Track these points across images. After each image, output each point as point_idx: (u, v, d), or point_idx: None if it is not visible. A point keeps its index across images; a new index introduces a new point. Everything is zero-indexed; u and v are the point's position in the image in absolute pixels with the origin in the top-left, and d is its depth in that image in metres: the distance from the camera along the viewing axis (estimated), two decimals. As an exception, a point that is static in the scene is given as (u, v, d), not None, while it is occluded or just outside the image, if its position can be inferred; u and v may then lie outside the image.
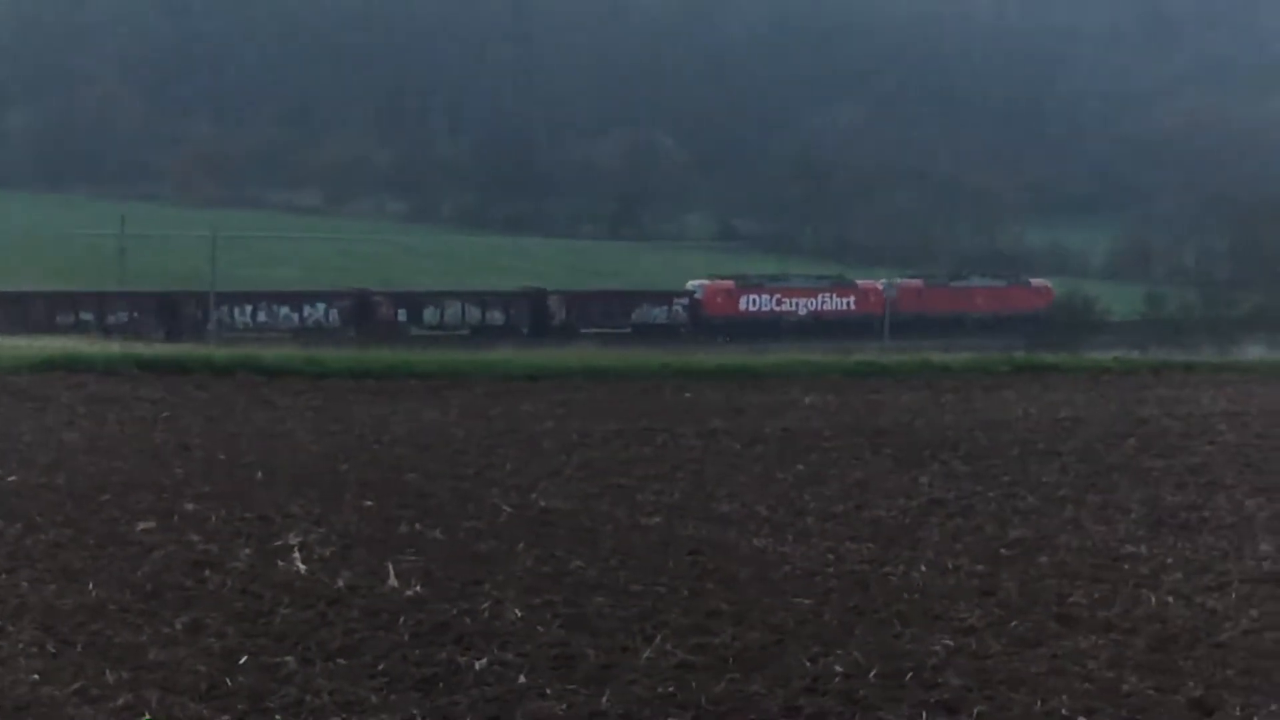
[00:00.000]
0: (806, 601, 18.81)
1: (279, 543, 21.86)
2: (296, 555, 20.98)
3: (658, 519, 24.57)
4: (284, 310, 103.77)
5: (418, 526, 23.44)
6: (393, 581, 19.50)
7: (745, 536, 23.14)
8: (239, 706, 14.55)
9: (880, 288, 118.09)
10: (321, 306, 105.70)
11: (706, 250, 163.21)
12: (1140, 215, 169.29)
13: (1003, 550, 22.18)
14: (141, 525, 23.07)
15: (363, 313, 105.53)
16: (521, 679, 15.41)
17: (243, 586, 19.28)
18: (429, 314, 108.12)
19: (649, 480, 28.60)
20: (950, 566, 20.95)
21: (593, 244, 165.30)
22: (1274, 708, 14.45)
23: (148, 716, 13.66)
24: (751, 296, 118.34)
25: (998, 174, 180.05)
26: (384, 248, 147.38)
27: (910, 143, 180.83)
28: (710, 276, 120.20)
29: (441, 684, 15.33)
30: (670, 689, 15.09)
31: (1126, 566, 21.10)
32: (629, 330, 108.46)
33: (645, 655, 16.28)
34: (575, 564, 20.84)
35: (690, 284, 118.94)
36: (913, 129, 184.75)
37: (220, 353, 53.23)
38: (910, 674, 15.62)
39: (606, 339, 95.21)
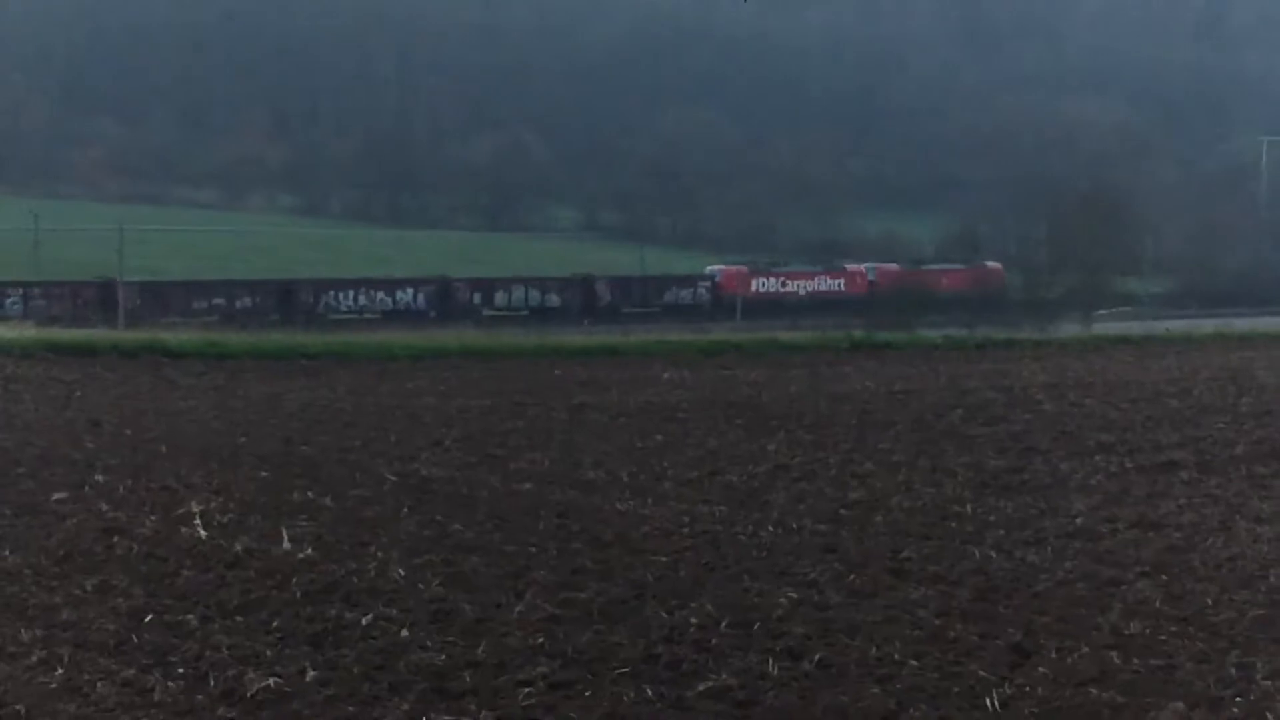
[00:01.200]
0: (664, 559, 18.87)
1: (182, 510, 21.73)
2: (198, 522, 20.88)
3: (529, 485, 24.59)
4: (379, 294, 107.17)
5: (309, 494, 23.38)
6: (286, 545, 19.44)
7: (609, 500, 23.19)
8: (144, 661, 14.50)
9: (864, 271, 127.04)
10: (410, 291, 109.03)
11: (572, 240, 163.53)
12: (965, 205, 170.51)
13: (842, 511, 22.32)
14: (55, 496, 22.96)
15: (444, 296, 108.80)
16: (404, 632, 15.41)
17: (148, 551, 19.19)
18: (499, 297, 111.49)
19: (521, 450, 28.63)
20: (795, 526, 21.06)
21: (470, 235, 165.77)
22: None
23: None
24: (761, 279, 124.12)
25: (835, 168, 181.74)
26: (278, 240, 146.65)
27: (755, 140, 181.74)
28: (728, 262, 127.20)
29: (330, 638, 15.31)
30: (540, 640, 15.11)
31: (953, 524, 21.28)
32: (660, 309, 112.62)
33: (517, 609, 16.29)
34: (454, 527, 20.85)
35: (709, 268, 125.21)
36: (758, 128, 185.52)
37: (127, 337, 52.94)
38: (758, 624, 15.70)
39: (643, 317, 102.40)
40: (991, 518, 21.71)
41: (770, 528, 20.93)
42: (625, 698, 13.37)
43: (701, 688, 13.65)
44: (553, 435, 30.97)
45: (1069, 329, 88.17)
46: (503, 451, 28.49)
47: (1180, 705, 13.04)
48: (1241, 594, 17.03)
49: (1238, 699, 13.27)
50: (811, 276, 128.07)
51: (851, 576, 17.92)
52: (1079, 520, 21.51)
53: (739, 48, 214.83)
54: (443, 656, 14.60)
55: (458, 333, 66.66)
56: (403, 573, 18.02)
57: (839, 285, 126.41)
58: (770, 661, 14.39)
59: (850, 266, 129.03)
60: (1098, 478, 25.23)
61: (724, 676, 13.93)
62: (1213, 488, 24.10)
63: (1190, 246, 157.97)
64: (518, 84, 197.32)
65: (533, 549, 19.46)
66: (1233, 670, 14.11)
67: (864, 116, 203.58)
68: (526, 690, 13.59)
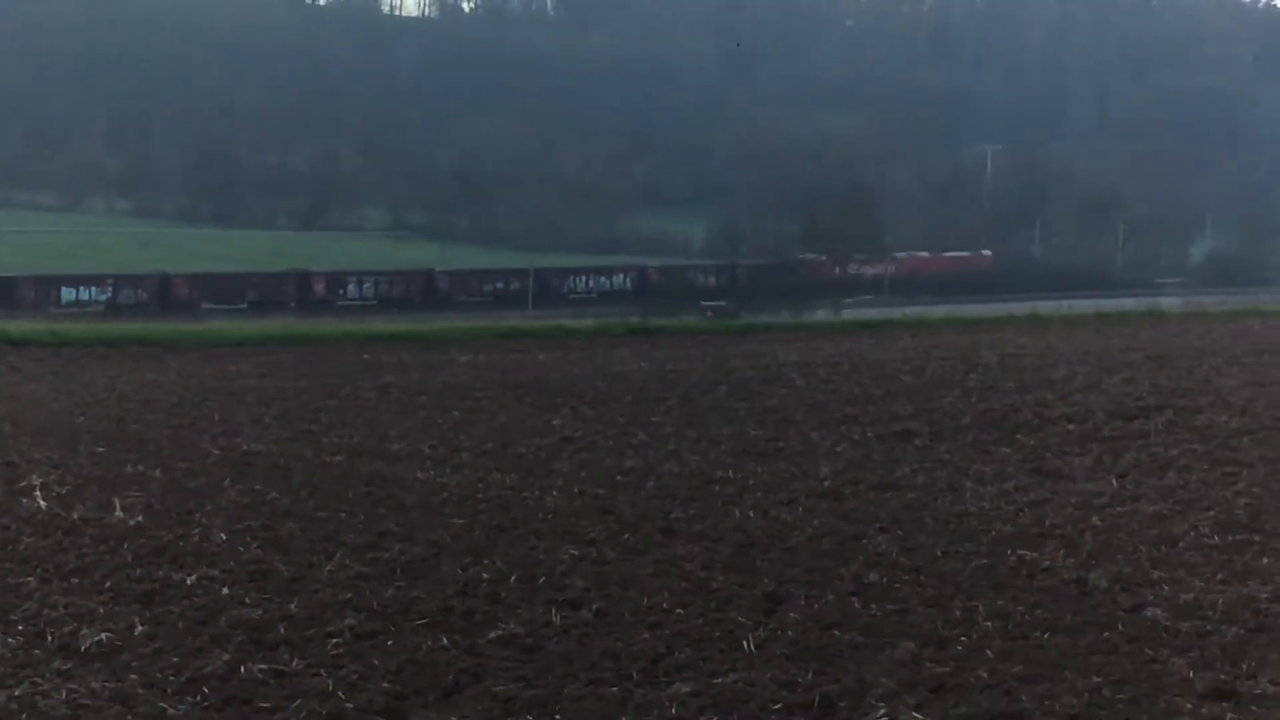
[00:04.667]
0: (460, 522, 18.83)
1: (23, 483, 21.37)
2: (38, 493, 20.55)
3: (340, 457, 24.41)
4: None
5: (140, 468, 23.06)
6: (119, 513, 19.15)
7: (411, 470, 23.07)
8: (-14, 620, 14.23)
9: (901, 257, 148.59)
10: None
11: (382, 239, 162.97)
12: (732, 206, 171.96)
13: (619, 477, 22.38)
14: (-96, 472, 22.45)
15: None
16: (225, 591, 15.27)
17: (-8, 520, 18.84)
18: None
19: (333, 426, 28.39)
20: (577, 491, 21.09)
21: (290, 234, 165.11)
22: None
23: None
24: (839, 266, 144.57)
25: (616, 174, 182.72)
26: (115, 240, 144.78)
27: (545, 148, 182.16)
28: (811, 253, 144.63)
29: (158, 596, 15.13)
30: (348, 596, 15.04)
31: (717, 488, 21.40)
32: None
33: (327, 569, 16.20)
34: (271, 495, 20.65)
35: (803, 257, 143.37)
36: (548, 137, 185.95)
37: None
38: (543, 578, 15.72)
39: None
40: (750, 481, 21.86)
41: (555, 493, 20.95)
42: (424, 646, 13.34)
43: (492, 636, 13.66)
44: (362, 413, 30.73)
45: (819, 314, 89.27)
46: (316, 427, 28.24)
47: (911, 644, 13.24)
48: (966, 546, 17.30)
49: (962, 638, 13.49)
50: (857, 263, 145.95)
51: (626, 535, 18.00)
52: (826, 483, 21.71)
53: (531, 65, 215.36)
54: (260, 611, 14.49)
55: (280, 322, 66.10)
56: (224, 537, 17.84)
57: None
58: (554, 612, 14.41)
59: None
60: (843, 445, 25.46)
61: (512, 626, 13.94)
62: (943, 453, 24.44)
63: (926, 242, 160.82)
64: (332, 98, 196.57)
65: (342, 515, 19.34)
66: (958, 613, 14.33)
67: (642, 127, 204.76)
68: (335, 641, 13.52)
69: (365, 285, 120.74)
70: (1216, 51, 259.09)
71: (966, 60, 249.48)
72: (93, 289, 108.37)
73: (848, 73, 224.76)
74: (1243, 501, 19.69)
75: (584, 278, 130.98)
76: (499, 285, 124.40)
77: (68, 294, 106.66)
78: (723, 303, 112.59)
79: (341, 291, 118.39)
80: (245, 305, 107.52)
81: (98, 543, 17.60)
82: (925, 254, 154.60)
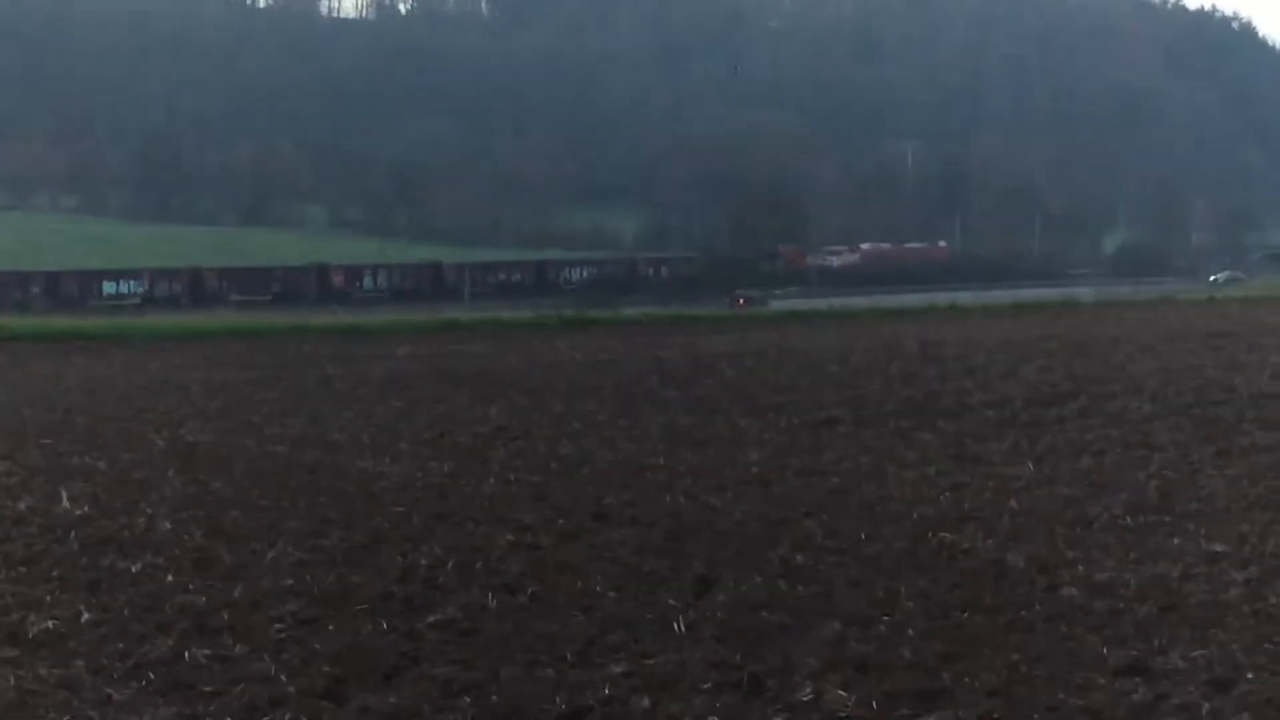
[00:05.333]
0: (399, 509, 18.75)
1: (-31, 476, 21.17)
2: (-16, 486, 20.36)
3: (282, 447, 24.28)
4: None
5: (87, 459, 22.87)
6: (65, 504, 18.98)
7: (352, 459, 22.97)
8: (-67, 610, 14.09)
9: (865, 248, 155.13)
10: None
11: (322, 234, 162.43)
12: (662, 200, 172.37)
13: (554, 464, 22.35)
14: None
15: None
16: (169, 578, 15.13)
17: (-61, 512, 18.67)
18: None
19: (276, 416, 28.27)
20: (512, 478, 21.03)
21: (233, 230, 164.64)
22: None
23: None
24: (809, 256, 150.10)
25: (550, 170, 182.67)
26: (61, 237, 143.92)
27: (481, 146, 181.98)
28: (787, 244, 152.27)
29: (104, 584, 14.98)
30: (290, 582, 14.94)
31: (649, 475, 21.38)
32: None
33: (270, 556, 16.10)
34: (215, 485, 20.52)
35: (780, 248, 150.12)
36: (483, 135, 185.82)
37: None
38: (480, 563, 15.67)
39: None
40: (681, 468, 21.82)
41: (491, 480, 20.88)
42: (364, 630, 13.30)
43: (430, 620, 13.61)
44: (303, 403, 30.61)
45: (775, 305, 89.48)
46: (259, 418, 28.10)
47: (837, 624, 13.29)
48: (889, 529, 17.36)
49: (885, 618, 13.53)
50: (839, 253, 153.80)
51: (561, 521, 17.96)
52: (754, 469, 21.72)
53: (466, 65, 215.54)
54: (203, 598, 14.38)
55: (222, 315, 65.75)
56: (169, 526, 17.70)
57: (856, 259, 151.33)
58: (490, 596, 14.37)
59: (865, 246, 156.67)
60: (770, 433, 25.50)
61: (450, 610, 13.89)
62: (867, 440, 24.51)
63: (850, 236, 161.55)
64: (272, 98, 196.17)
65: (284, 503, 19.23)
66: (881, 594, 14.38)
67: (575, 125, 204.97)
68: (277, 625, 13.45)
69: (379, 277, 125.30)
70: (1128, 50, 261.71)
71: (888, 59, 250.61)
72: (131, 282, 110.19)
73: (772, 70, 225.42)
74: (1154, 484, 19.86)
75: (579, 269, 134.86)
76: (503, 277, 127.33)
77: (109, 287, 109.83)
78: (756, 292, 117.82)
79: (359, 284, 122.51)
80: (270, 297, 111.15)
81: (45, 532, 17.42)
82: (887, 245, 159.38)
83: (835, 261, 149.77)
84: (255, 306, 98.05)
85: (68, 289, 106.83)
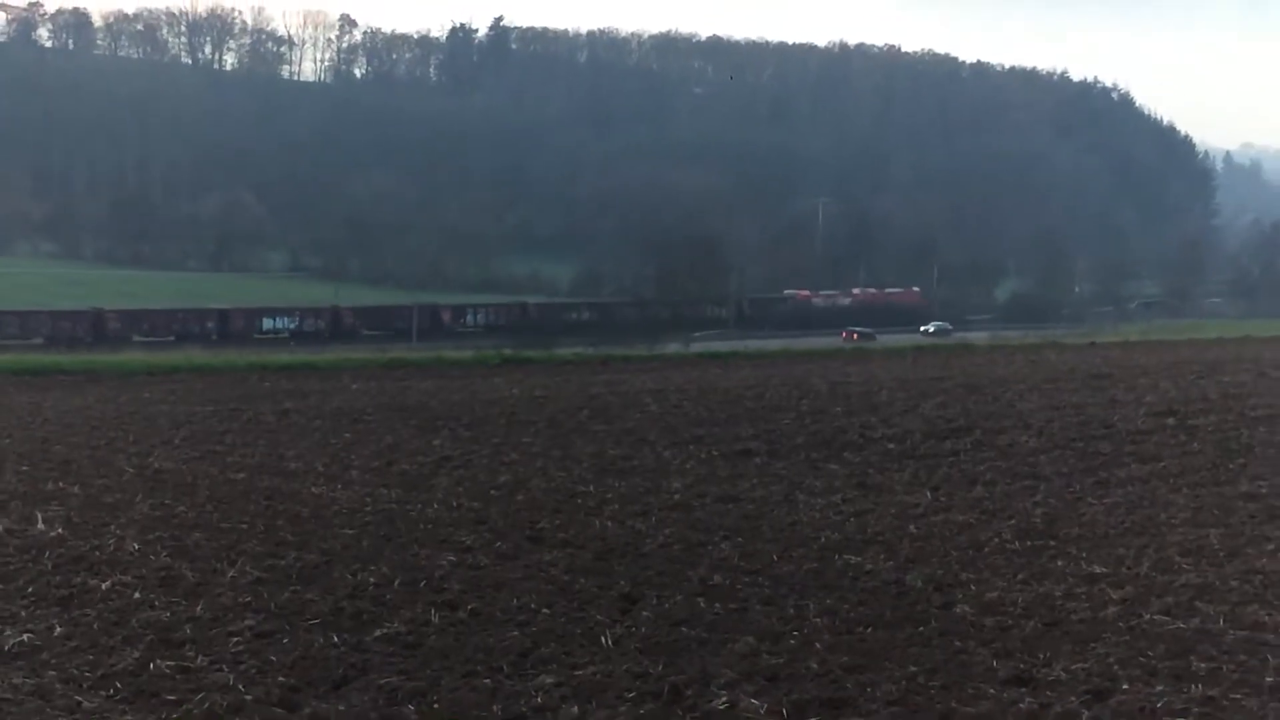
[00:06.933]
0: (350, 532, 18.68)
1: (-50, 501, 20.90)
2: (-37, 510, 20.12)
3: (242, 474, 24.10)
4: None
5: (61, 484, 22.62)
6: (40, 526, 18.82)
7: (307, 485, 22.84)
8: (-86, 625, 13.91)
9: (856, 293, 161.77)
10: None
11: (281, 280, 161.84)
12: (594, 251, 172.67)
13: (493, 491, 22.28)
14: None
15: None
16: (136, 595, 15.05)
17: (-80, 534, 18.42)
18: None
19: (237, 446, 28.04)
20: (454, 504, 20.98)
21: (199, 275, 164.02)
22: None
23: None
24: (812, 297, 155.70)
25: (492, 221, 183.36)
26: (40, 279, 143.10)
27: (428, 199, 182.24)
28: (797, 288, 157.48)
29: (76, 600, 14.88)
30: (248, 599, 14.87)
31: (580, 501, 21.38)
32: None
33: (230, 574, 16.01)
34: (180, 509, 20.36)
35: (786, 292, 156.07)
36: (431, 189, 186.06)
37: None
38: (423, 582, 15.64)
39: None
40: (609, 495, 21.85)
41: (435, 506, 20.82)
42: (316, 643, 13.24)
43: (378, 634, 13.58)
44: (262, 434, 30.37)
45: (672, 346, 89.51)
46: (221, 447, 27.88)
47: (750, 639, 13.32)
48: (799, 551, 17.43)
49: (795, 633, 13.59)
50: (838, 297, 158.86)
51: (498, 543, 17.94)
52: (676, 496, 21.76)
53: (416, 124, 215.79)
54: (168, 613, 14.29)
55: (185, 352, 65.17)
56: (136, 546, 17.56)
57: (847, 302, 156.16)
58: (433, 611, 14.36)
59: (856, 291, 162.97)
60: (691, 463, 25.54)
61: (396, 625, 13.87)
62: (779, 470, 24.58)
63: (767, 284, 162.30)
64: (237, 153, 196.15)
65: (244, 526, 19.11)
66: (791, 611, 14.44)
67: (514, 180, 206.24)
68: (236, 639, 13.39)
69: (479, 315, 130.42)
70: (1018, 116, 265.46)
71: (801, 124, 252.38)
72: (284, 319, 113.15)
73: (695, 133, 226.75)
74: (1040, 511, 20.02)
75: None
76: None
77: (267, 323, 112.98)
78: (868, 329, 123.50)
79: (461, 321, 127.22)
80: (392, 331, 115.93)
81: (20, 552, 17.24)
82: (873, 290, 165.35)
83: (846, 301, 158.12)
84: (389, 340, 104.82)
85: (236, 323, 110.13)
